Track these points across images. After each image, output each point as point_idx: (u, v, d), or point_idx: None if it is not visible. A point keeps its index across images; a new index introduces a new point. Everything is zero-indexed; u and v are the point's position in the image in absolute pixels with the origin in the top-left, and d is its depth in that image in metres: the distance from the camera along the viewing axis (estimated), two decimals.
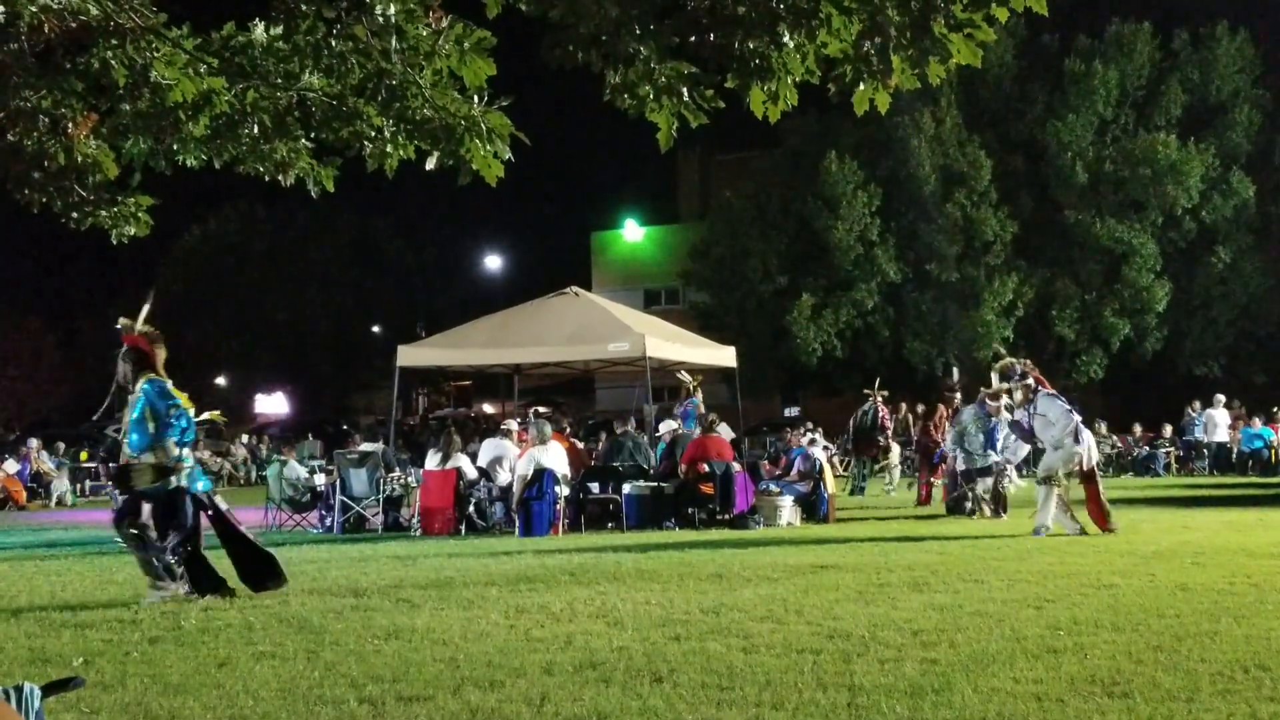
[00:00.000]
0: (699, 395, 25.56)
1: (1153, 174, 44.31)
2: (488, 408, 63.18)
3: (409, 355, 25.05)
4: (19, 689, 4.45)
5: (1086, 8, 47.59)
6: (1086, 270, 45.96)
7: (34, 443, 34.29)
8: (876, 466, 28.80)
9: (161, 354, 12.49)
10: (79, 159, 9.08)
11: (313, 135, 8.95)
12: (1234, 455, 35.85)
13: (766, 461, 28.57)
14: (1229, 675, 7.54)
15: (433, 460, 20.49)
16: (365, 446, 22.56)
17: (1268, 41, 47.44)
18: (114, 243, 9.83)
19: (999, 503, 20.34)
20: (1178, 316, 45.48)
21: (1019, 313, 45.85)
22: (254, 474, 41.29)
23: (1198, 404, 37.02)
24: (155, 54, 8.36)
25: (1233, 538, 14.72)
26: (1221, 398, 36.57)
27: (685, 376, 25.43)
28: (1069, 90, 46.26)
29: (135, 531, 11.90)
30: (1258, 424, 35.88)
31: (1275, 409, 36.42)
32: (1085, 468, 17.41)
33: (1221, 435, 35.94)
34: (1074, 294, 45.68)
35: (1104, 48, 46.85)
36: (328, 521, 20.95)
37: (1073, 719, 6.67)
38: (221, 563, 12.47)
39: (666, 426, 22.35)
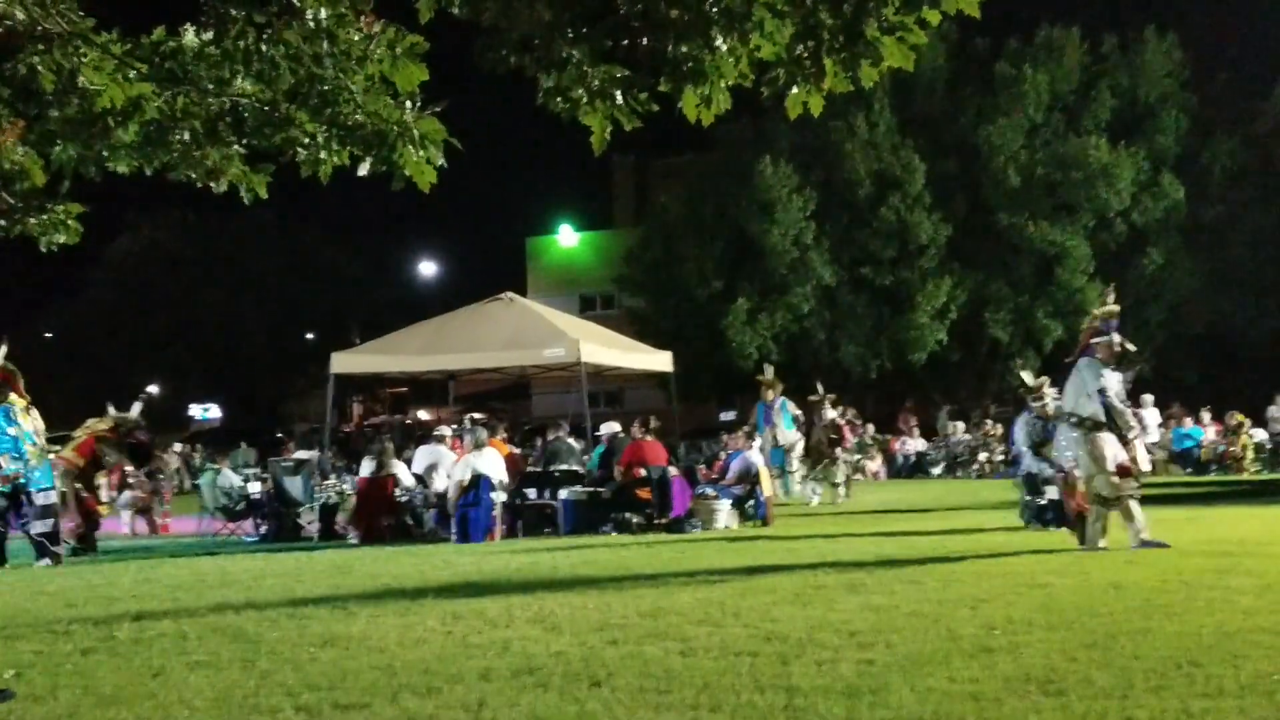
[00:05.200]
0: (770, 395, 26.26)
1: (1084, 177, 44.70)
2: (423, 414, 62.98)
3: (343, 362, 24.92)
4: None
5: (1017, 12, 48.05)
6: (1020, 272, 46.32)
7: None
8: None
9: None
10: (6, 166, 8.99)
11: (245, 141, 8.87)
12: (1165, 454, 36.15)
13: (703, 465, 28.61)
14: (1161, 672, 7.60)
15: (368, 467, 20.43)
16: (300, 454, 22.43)
17: (1194, 45, 48.03)
18: (43, 251, 9.73)
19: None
20: None
21: (953, 315, 46.13)
22: (187, 482, 40.93)
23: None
24: (83, 59, 8.29)
25: (1164, 536, 14.83)
26: (1150, 398, 36.86)
27: (768, 376, 26.96)
28: (1000, 94, 46.61)
29: None
30: (1188, 424, 36.24)
31: (1204, 409, 36.79)
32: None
33: (1152, 435, 36.21)
34: (1007, 296, 46.03)
35: (1034, 52, 47.24)
36: (262, 530, 20.80)
37: (1009, 718, 6.71)
38: None
39: (608, 429, 22.27)
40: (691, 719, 6.86)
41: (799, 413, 27.12)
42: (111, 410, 20.32)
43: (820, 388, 27.91)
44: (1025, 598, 10.80)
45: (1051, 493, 17.59)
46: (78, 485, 18.98)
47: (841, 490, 26.13)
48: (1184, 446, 35.76)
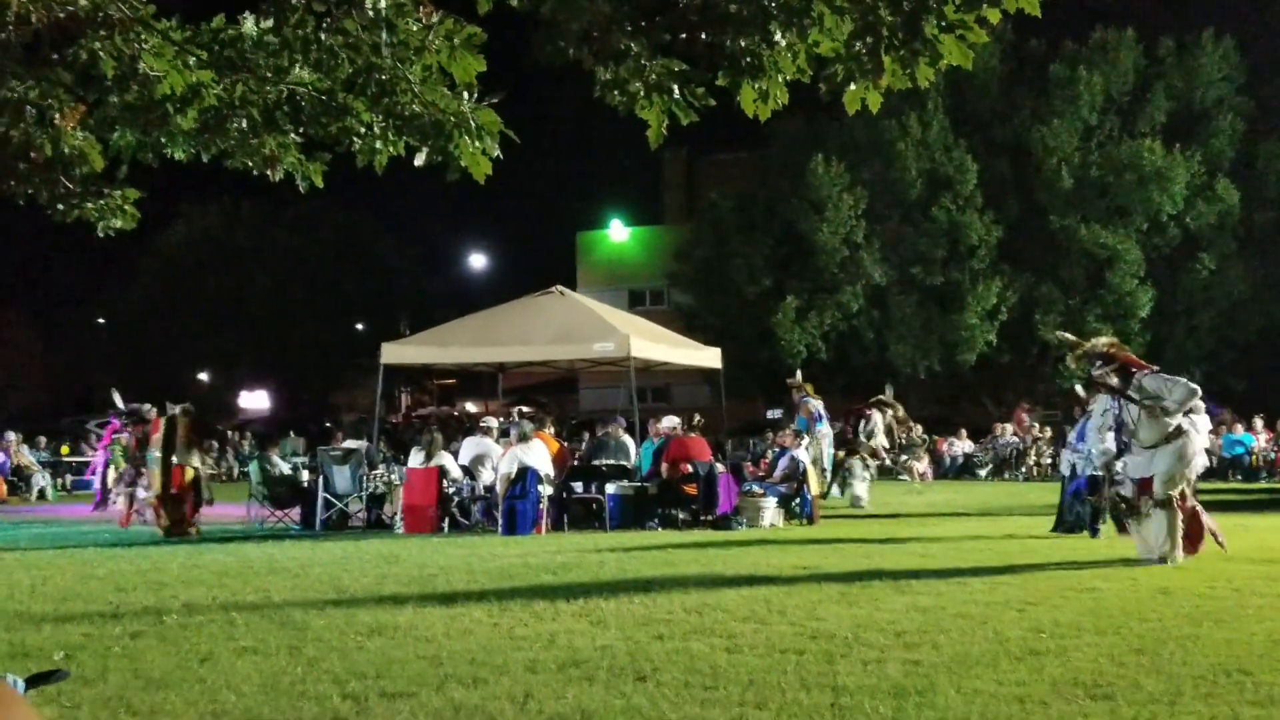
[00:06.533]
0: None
1: (1138, 180, 44.38)
2: (471, 406, 63.07)
3: (393, 353, 24.97)
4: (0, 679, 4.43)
5: (1072, 14, 47.72)
6: (1070, 275, 46.02)
7: (13, 436, 34.04)
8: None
9: None
10: (65, 150, 9.03)
11: (302, 130, 8.89)
12: (1214, 461, 35.89)
13: (750, 462, 28.56)
14: (1211, 679, 7.56)
15: (416, 458, 20.48)
16: (349, 444, 22.49)
17: (1251, 49, 47.64)
18: (99, 236, 9.78)
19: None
20: (1160, 322, 45.48)
21: (1003, 317, 45.90)
22: (236, 470, 41.20)
23: None
24: (144, 46, 8.32)
25: (1213, 543, 14.75)
26: (1200, 404, 36.54)
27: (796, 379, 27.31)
28: (1054, 95, 46.35)
29: None
30: (1239, 430, 35.98)
31: (1255, 416, 36.54)
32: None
33: (1202, 441, 35.90)
34: (1058, 299, 45.74)
35: (1089, 54, 46.94)
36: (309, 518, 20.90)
37: None
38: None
39: (668, 423, 22.09)
40: (737, 715, 6.86)
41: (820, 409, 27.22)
42: (117, 396, 21.38)
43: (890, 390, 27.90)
44: (1073, 601, 10.77)
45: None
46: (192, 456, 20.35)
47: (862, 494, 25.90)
48: (1235, 453, 35.50)
